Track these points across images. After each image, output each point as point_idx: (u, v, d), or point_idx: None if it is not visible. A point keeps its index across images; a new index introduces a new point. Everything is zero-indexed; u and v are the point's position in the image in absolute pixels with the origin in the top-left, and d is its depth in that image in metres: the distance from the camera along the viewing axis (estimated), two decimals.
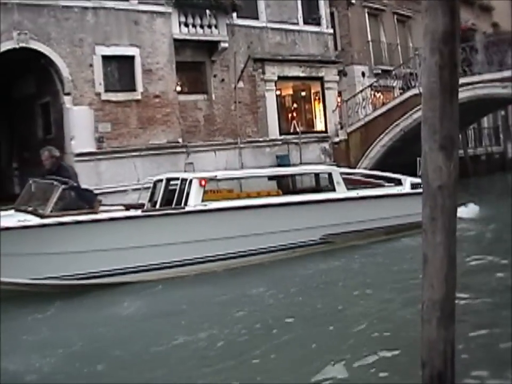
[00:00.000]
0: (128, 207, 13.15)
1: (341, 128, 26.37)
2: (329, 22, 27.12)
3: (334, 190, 14.57)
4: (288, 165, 22.35)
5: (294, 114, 26.41)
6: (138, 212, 12.17)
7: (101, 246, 11.21)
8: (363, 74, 30.50)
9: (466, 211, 16.13)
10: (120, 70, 19.97)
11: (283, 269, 12.61)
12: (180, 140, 20.88)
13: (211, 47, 22.32)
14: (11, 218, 11.16)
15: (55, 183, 11.41)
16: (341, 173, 15.17)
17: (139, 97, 20.05)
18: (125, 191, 18.30)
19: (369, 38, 31.67)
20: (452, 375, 3.66)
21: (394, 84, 28.34)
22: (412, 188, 15.59)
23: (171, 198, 12.78)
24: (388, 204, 15.17)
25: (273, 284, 11.37)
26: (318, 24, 26.41)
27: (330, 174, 14.94)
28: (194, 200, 12.34)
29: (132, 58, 19.99)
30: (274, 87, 24.67)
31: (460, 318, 4.50)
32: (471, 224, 15.42)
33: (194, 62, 22.43)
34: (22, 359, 7.74)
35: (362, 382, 6.40)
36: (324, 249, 13.85)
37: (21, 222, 10.79)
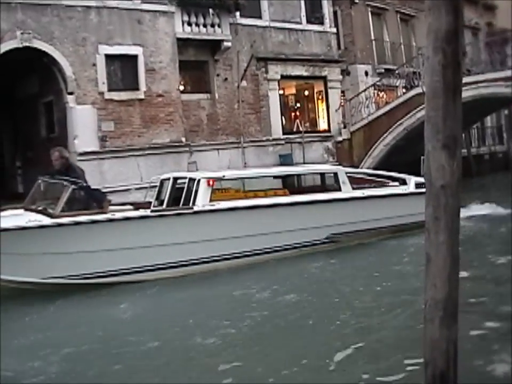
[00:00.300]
0: (136, 206, 13.21)
1: (344, 127, 26.36)
2: (332, 21, 27.12)
3: (339, 189, 14.61)
4: (291, 164, 22.36)
5: (297, 113, 26.44)
6: (148, 212, 12.20)
7: (111, 246, 11.28)
8: (366, 73, 30.47)
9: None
10: (123, 69, 19.99)
11: (293, 267, 12.68)
12: (183, 139, 20.89)
13: (214, 46, 22.32)
14: (21, 217, 11.22)
15: (65, 183, 11.46)
16: (346, 173, 15.20)
17: (142, 96, 20.06)
18: (128, 190, 18.34)
19: (373, 37, 31.63)
20: (455, 375, 3.66)
21: (397, 83, 28.35)
22: (417, 187, 15.58)
23: (178, 197, 12.80)
24: (393, 203, 15.20)
25: (281, 283, 11.40)
26: (321, 23, 26.42)
27: (336, 174, 14.97)
28: (203, 200, 12.36)
29: (135, 57, 20.00)
30: (277, 86, 24.66)
31: None
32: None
33: (197, 61, 22.43)
34: (17, 359, 7.73)
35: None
36: (330, 249, 13.92)
37: (32, 222, 10.84)
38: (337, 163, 24.78)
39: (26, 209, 11.98)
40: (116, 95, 19.48)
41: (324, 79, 26.38)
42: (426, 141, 3.71)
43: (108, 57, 19.40)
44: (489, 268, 11.21)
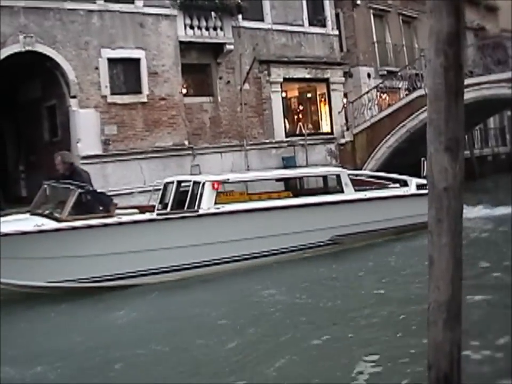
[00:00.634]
0: (140, 209, 13.26)
1: (347, 129, 26.37)
2: (334, 24, 27.13)
3: (342, 191, 14.70)
4: (294, 167, 22.36)
5: (300, 116, 26.44)
6: (154, 215, 12.25)
7: (118, 249, 11.35)
8: (369, 75, 30.49)
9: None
10: (126, 73, 20.01)
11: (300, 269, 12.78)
12: (186, 142, 20.91)
13: (217, 49, 22.34)
14: (28, 222, 11.29)
15: (72, 187, 11.49)
16: (348, 175, 15.24)
17: (145, 99, 20.08)
18: (131, 193, 18.36)
19: (375, 39, 31.64)
20: (459, 377, 3.65)
21: (400, 85, 28.32)
22: (418, 189, 15.67)
23: (182, 200, 12.86)
24: (395, 204, 15.31)
25: (287, 285, 11.45)
26: (324, 25, 26.42)
27: (338, 176, 15.06)
28: (207, 203, 12.42)
29: (137, 60, 20.03)
30: (280, 89, 24.66)
31: None
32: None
33: (200, 64, 22.45)
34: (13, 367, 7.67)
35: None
36: (334, 250, 13.98)
37: (38, 226, 10.87)
38: (340, 165, 24.78)
39: (32, 214, 12.04)
40: (118, 99, 19.51)
41: (327, 81, 26.37)
42: (428, 143, 3.71)
43: (111, 60, 19.43)
44: None
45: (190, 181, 13.31)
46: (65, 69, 18.54)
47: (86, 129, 18.75)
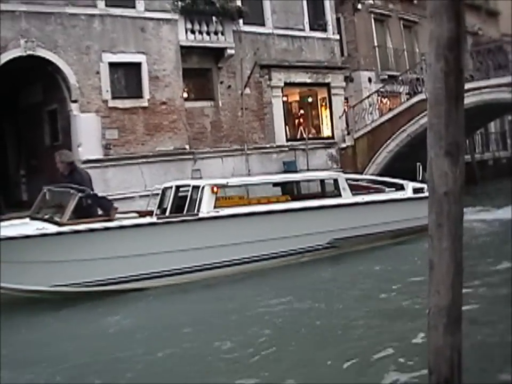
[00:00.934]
0: (140, 214, 13.28)
1: (348, 134, 26.38)
2: (335, 28, 27.14)
3: (340, 195, 14.77)
4: (295, 171, 22.39)
5: (301, 120, 26.45)
6: (155, 219, 12.29)
7: (119, 253, 11.36)
8: (369, 80, 30.51)
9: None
10: (127, 77, 20.04)
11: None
12: (187, 147, 20.92)
13: (217, 53, 22.36)
14: (28, 226, 11.28)
15: (72, 191, 11.47)
16: (346, 179, 15.33)
17: (146, 104, 20.11)
18: (132, 197, 18.36)
19: (376, 44, 31.68)
20: (459, 382, 3.66)
21: (400, 90, 28.33)
22: (414, 193, 15.80)
23: (181, 205, 12.87)
24: (392, 208, 15.44)
25: (287, 289, 11.45)
26: (324, 30, 26.43)
27: (336, 180, 15.13)
28: (207, 207, 12.44)
29: (138, 65, 20.05)
30: (280, 93, 24.68)
31: None
32: None
33: (201, 69, 22.47)
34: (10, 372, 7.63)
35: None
36: (332, 254, 14.04)
37: (39, 230, 10.87)
38: (341, 170, 24.81)
39: (31, 218, 12.04)
40: (119, 103, 19.53)
41: (327, 86, 26.38)
42: (429, 147, 3.72)
43: (112, 65, 19.45)
44: None
45: (188, 185, 13.29)
46: (66, 73, 18.56)
47: (87, 134, 18.77)
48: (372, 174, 24.12)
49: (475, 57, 24.01)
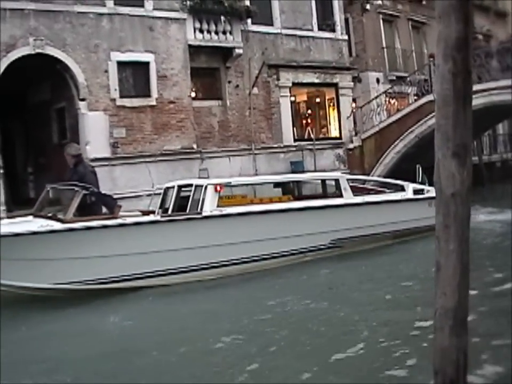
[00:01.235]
0: (144, 213, 13.30)
1: (356, 134, 26.34)
2: (343, 28, 27.10)
3: (341, 195, 14.86)
4: (302, 171, 22.38)
5: (309, 120, 26.42)
6: (159, 217, 12.30)
7: (122, 251, 11.36)
8: (378, 80, 30.48)
9: None
10: (135, 76, 20.06)
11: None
12: (194, 146, 20.93)
13: (226, 53, 22.36)
14: (31, 224, 11.28)
15: (76, 188, 11.49)
16: (347, 179, 15.42)
17: (154, 103, 20.12)
18: (139, 196, 18.37)
19: (384, 44, 31.64)
20: (464, 383, 3.65)
21: (409, 90, 28.28)
22: (414, 194, 16.04)
23: (183, 204, 12.86)
24: (393, 209, 15.53)
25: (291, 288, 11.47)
26: (333, 30, 26.41)
27: (337, 180, 15.22)
28: (210, 206, 12.47)
29: (146, 64, 20.07)
30: (288, 93, 24.67)
31: None
32: None
33: (209, 68, 22.47)
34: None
35: None
36: (334, 254, 14.12)
37: (43, 227, 10.87)
38: (348, 170, 24.82)
39: (35, 216, 12.05)
40: (127, 102, 19.55)
41: (335, 86, 26.37)
42: (436, 149, 3.71)
43: (120, 64, 19.47)
44: None
45: (191, 185, 13.27)
46: (74, 71, 18.60)
47: (95, 132, 18.80)
48: (380, 175, 24.13)
49: (483, 58, 23.90)
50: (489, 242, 14.43)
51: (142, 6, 20.07)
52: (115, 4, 19.41)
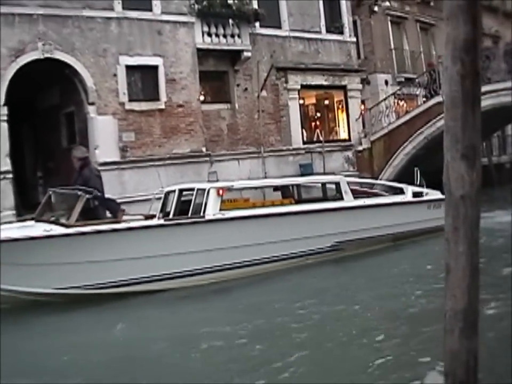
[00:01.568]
0: (147, 217, 13.31)
1: (364, 136, 26.30)
2: (352, 31, 27.12)
3: (342, 198, 14.91)
4: (311, 174, 22.36)
5: (317, 123, 26.42)
6: (162, 221, 12.30)
7: (126, 255, 11.35)
8: (386, 82, 30.46)
9: None
10: (143, 80, 20.10)
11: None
12: (203, 149, 20.95)
13: (234, 56, 22.38)
14: (34, 228, 11.26)
15: (79, 192, 11.46)
16: (348, 182, 15.48)
17: (162, 106, 20.16)
18: (148, 200, 18.41)
19: (392, 46, 31.63)
20: None
21: (417, 92, 28.25)
22: (414, 197, 16.28)
23: (184, 208, 12.88)
24: (393, 212, 15.67)
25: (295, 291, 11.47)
26: (341, 32, 26.41)
27: (338, 184, 15.28)
28: (212, 210, 12.50)
29: (155, 68, 20.12)
30: (297, 96, 24.67)
31: None
32: None
33: (217, 71, 22.51)
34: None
35: None
36: (335, 256, 14.19)
37: (47, 231, 10.85)
38: (358, 172, 24.82)
39: (37, 221, 12.03)
40: (136, 106, 19.59)
41: (344, 88, 26.36)
42: (445, 151, 3.70)
43: (129, 68, 19.52)
44: None
45: (192, 189, 13.31)
46: (83, 76, 18.65)
47: (104, 136, 18.85)
48: (389, 177, 24.12)
49: (492, 59, 23.85)
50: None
51: (150, 10, 20.12)
52: (123, 8, 19.46)
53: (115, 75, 19.22)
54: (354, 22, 28.60)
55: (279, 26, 24.27)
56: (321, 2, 25.75)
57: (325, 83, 25.57)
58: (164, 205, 13.99)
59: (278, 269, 13.11)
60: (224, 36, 21.84)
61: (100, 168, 17.90)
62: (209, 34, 21.49)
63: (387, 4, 31.41)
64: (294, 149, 24.02)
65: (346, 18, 26.79)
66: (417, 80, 28.49)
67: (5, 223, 13.51)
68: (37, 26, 17.80)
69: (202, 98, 21.48)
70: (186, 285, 11.92)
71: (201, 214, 12.43)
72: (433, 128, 23.91)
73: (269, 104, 23.69)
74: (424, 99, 26.99)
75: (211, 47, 21.56)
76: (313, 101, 26.92)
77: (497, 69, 23.49)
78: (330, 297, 10.96)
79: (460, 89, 3.58)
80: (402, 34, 32.85)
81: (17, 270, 10.41)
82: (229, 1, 21.92)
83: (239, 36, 22.14)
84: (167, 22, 20.43)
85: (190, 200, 12.98)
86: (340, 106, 26.90)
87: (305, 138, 24.94)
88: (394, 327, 8.70)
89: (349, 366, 7.39)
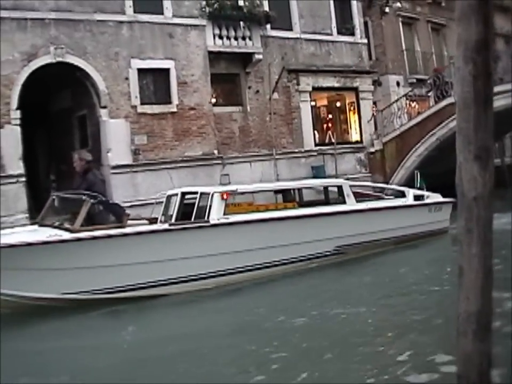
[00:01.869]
0: (150, 220, 13.29)
1: (376, 138, 26.24)
2: (363, 32, 27.06)
3: (344, 202, 14.87)
4: (324, 176, 22.32)
5: (329, 124, 26.39)
6: (167, 225, 12.22)
7: (132, 260, 11.26)
8: (398, 83, 30.41)
9: None
10: (155, 83, 20.15)
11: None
12: (215, 152, 20.97)
13: (245, 58, 22.39)
14: (38, 233, 11.24)
15: (84, 197, 11.38)
16: (350, 186, 15.48)
17: (174, 109, 20.20)
18: (160, 202, 18.43)
19: (404, 47, 31.58)
20: None
21: (429, 94, 28.16)
22: (415, 200, 16.40)
23: (187, 212, 12.83)
24: (396, 215, 15.71)
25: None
26: (352, 34, 26.38)
27: (340, 187, 15.25)
28: (217, 214, 12.42)
29: (167, 71, 20.16)
30: (309, 98, 24.64)
31: None
32: None
33: (229, 74, 22.52)
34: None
35: None
36: (338, 260, 14.18)
37: (52, 236, 10.82)
38: (370, 174, 24.78)
39: (40, 225, 12.01)
40: (148, 109, 19.64)
41: (356, 90, 26.32)
42: (458, 152, 3.68)
43: (140, 71, 19.57)
44: None
45: (196, 192, 13.22)
46: (95, 79, 18.72)
47: (116, 139, 18.90)
48: (401, 178, 24.07)
49: (505, 59, 23.77)
50: None
51: (162, 13, 20.17)
52: (135, 12, 19.52)
53: (127, 78, 19.28)
54: (366, 24, 28.54)
55: (290, 28, 24.26)
56: (332, 4, 25.71)
57: (336, 85, 25.54)
58: (166, 208, 13.94)
59: (281, 273, 13.07)
60: (236, 39, 21.86)
61: (112, 171, 18.02)
62: (221, 37, 21.51)
63: (398, 5, 31.36)
64: (306, 151, 23.99)
65: (357, 20, 26.75)
66: (428, 81, 28.41)
67: (8, 227, 13.48)
68: (49, 31, 17.88)
69: (214, 101, 21.51)
70: (191, 290, 11.84)
71: (206, 218, 12.35)
72: (445, 129, 23.81)
73: (280, 106, 23.69)
74: (436, 100, 26.87)
75: (222, 49, 21.58)
76: (325, 102, 26.90)
77: (510, 69, 23.37)
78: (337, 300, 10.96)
79: (472, 90, 3.56)
80: (413, 35, 32.80)
81: (23, 276, 10.38)
82: (239, 4, 21.96)
83: (250, 38, 22.16)
84: (179, 25, 20.47)
85: (193, 204, 12.91)
86: (352, 108, 26.85)
87: (317, 140, 24.92)
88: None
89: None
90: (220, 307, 11.32)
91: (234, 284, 12.29)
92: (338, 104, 26.93)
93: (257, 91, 22.95)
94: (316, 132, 25.08)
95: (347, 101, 26.91)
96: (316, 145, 24.60)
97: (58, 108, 22.60)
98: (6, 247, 10.26)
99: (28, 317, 10.29)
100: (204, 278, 12.18)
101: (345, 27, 26.14)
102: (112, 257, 11.12)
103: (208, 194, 12.70)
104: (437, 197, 16.80)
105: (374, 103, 27.69)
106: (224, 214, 12.59)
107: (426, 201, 16.57)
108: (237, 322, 10.00)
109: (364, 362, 7.39)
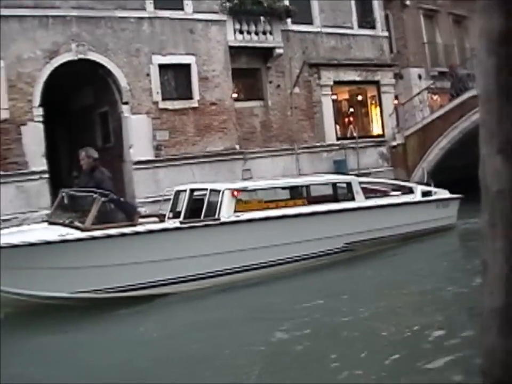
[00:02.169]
0: (160, 217, 13.25)
1: (398, 131, 26.11)
2: (384, 25, 26.96)
3: (353, 199, 14.76)
4: (346, 170, 22.22)
5: (351, 118, 26.29)
6: (177, 224, 12.13)
7: (143, 258, 11.18)
8: (419, 76, 30.19)
9: None
10: (176, 79, 20.19)
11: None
12: (237, 147, 20.98)
13: (266, 53, 22.37)
14: (49, 231, 11.16)
15: (95, 195, 11.21)
16: (359, 182, 15.38)
17: (196, 105, 20.23)
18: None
19: (425, 40, 31.34)
20: None
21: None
22: (423, 196, 16.31)
23: (196, 208, 12.70)
24: (404, 211, 15.62)
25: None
26: (373, 27, 26.27)
27: (349, 184, 15.11)
28: (227, 211, 12.30)
29: (188, 66, 20.19)
30: (330, 92, 24.57)
31: None
32: None
33: (249, 69, 22.51)
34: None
35: None
36: (347, 257, 14.05)
37: (63, 235, 10.73)
38: (392, 168, 24.67)
39: (50, 223, 11.95)
40: (170, 104, 19.68)
41: (377, 83, 26.22)
42: (481, 145, 3.64)
43: (161, 67, 19.63)
44: None
45: (206, 189, 13.08)
46: (117, 76, 18.78)
47: (138, 135, 18.97)
48: (422, 174, 23.94)
49: None
50: None
51: (182, 9, 20.19)
52: (155, 8, 19.57)
53: (148, 74, 19.34)
54: (386, 17, 28.40)
55: (310, 23, 24.20)
56: None
57: (357, 78, 25.46)
58: (174, 204, 13.86)
59: (291, 270, 12.96)
60: (256, 33, 21.85)
61: (134, 167, 18.09)
62: (241, 32, 21.51)
63: None
64: (327, 145, 23.94)
65: (378, 13, 26.65)
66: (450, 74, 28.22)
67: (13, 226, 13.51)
68: (70, 28, 17.97)
69: (235, 96, 21.50)
70: (201, 287, 11.76)
71: (216, 216, 12.24)
72: (467, 122, 23.61)
73: (301, 101, 23.65)
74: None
75: (243, 44, 21.58)
76: (346, 96, 26.82)
77: None
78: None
79: (495, 83, 3.51)
80: (435, 28, 32.55)
81: (34, 275, 10.34)
82: None
83: (271, 33, 22.14)
84: (199, 20, 20.49)
85: (201, 200, 12.83)
86: (373, 101, 26.75)
87: (338, 134, 24.86)
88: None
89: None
90: (231, 303, 11.29)
91: (243, 281, 12.15)
92: (359, 97, 26.84)
93: (278, 85, 22.92)
94: (337, 126, 25.03)
95: (368, 95, 26.82)
96: (338, 139, 24.53)
97: (79, 105, 22.72)
98: (21, 246, 10.24)
99: (38, 316, 10.22)
100: (213, 276, 12.07)
101: (366, 20, 26.03)
102: (124, 256, 11.03)
103: (218, 191, 12.57)
104: (444, 193, 16.71)
105: (396, 96, 27.51)
106: (235, 211, 12.53)
107: (434, 197, 16.48)
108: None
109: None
